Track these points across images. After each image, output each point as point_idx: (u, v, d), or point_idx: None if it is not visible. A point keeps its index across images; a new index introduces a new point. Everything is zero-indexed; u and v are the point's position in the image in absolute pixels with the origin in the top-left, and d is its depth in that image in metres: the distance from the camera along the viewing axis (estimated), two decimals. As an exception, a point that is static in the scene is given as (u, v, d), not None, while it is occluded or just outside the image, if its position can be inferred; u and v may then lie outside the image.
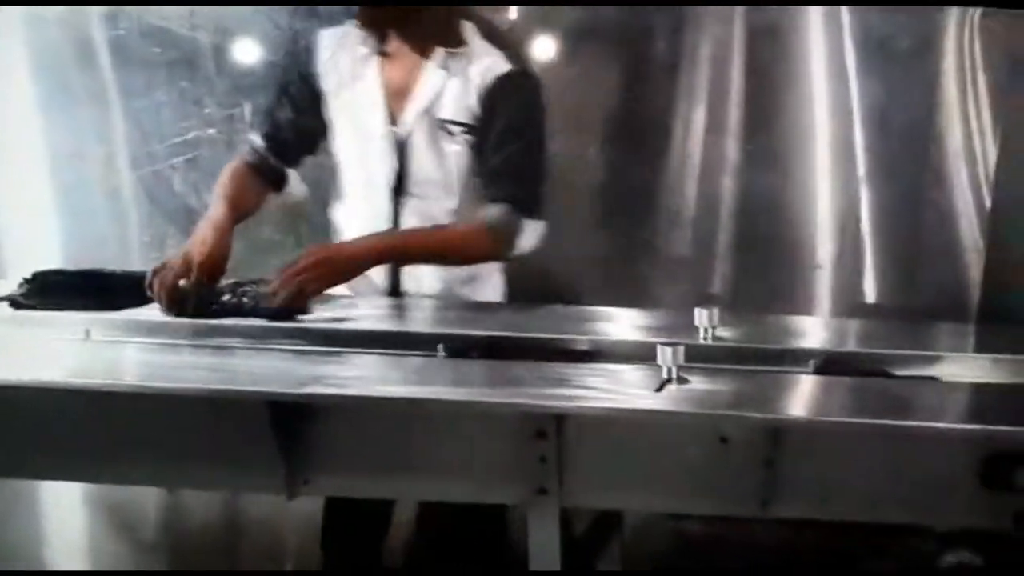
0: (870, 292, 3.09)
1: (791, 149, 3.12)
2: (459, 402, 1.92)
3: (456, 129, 2.60)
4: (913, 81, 3.05)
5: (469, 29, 2.60)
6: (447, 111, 2.59)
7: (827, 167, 3.10)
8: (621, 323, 2.48)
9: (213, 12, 3.04)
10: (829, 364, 2.20)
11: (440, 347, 2.17)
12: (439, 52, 2.58)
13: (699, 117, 3.11)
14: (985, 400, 2.16)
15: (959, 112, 3.02)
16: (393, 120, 2.62)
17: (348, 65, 2.63)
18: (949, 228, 2.99)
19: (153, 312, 2.39)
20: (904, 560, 2.15)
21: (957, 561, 2.07)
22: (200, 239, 2.46)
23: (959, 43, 3.04)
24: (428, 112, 2.60)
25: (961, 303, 2.99)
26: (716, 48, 3.09)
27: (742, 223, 3.14)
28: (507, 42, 2.62)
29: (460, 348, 2.15)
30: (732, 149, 3.10)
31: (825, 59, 3.11)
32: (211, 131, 2.72)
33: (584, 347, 2.21)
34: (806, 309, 3.10)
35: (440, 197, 2.64)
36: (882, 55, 3.08)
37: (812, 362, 2.20)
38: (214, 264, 2.45)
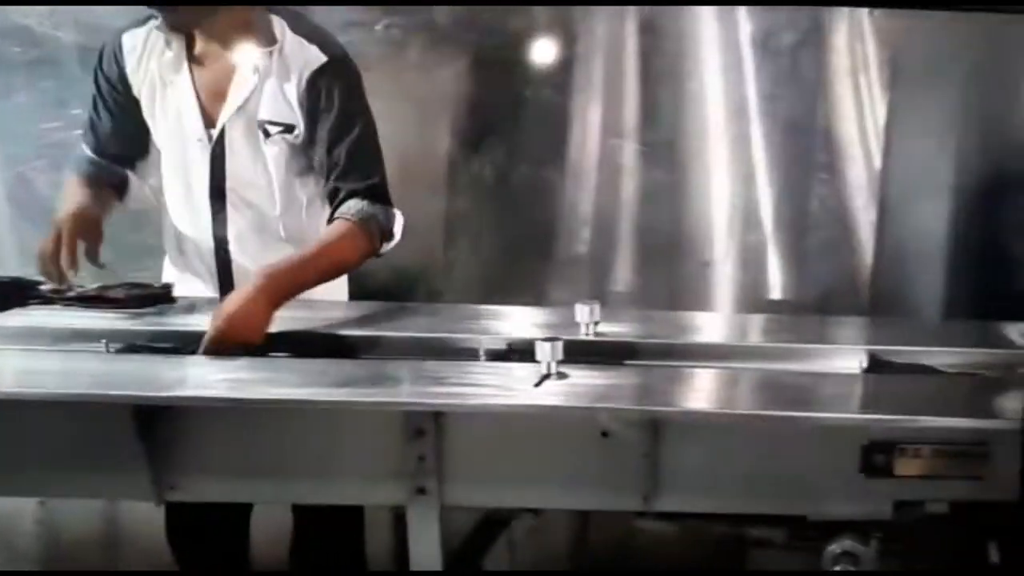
0: (767, 287, 3.11)
1: (684, 147, 3.12)
2: (333, 402, 1.89)
3: (275, 130, 2.51)
4: (805, 78, 3.07)
5: (278, 25, 2.50)
6: (265, 111, 2.50)
7: (722, 164, 3.11)
8: (509, 321, 2.46)
9: (76, 10, 2.95)
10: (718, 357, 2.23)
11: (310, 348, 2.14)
12: (251, 51, 2.49)
13: (594, 116, 3.10)
14: (868, 390, 2.19)
15: (851, 109, 3.04)
16: (210, 123, 2.52)
17: (157, 68, 2.52)
18: (841, 223, 3.01)
19: (15, 317, 2.34)
20: (790, 551, 2.15)
21: (841, 550, 2.07)
22: (64, 209, 2.42)
23: (850, 40, 3.07)
24: (244, 113, 2.51)
25: (855, 297, 3.01)
26: (608, 45, 3.08)
27: (637, 221, 3.13)
28: (320, 34, 2.52)
29: (336, 348, 2.12)
30: (626, 147, 3.10)
31: (719, 56, 3.12)
32: (77, 132, 2.64)
33: (466, 345, 2.19)
34: (703, 305, 3.10)
35: (262, 201, 2.56)
36: (775, 53, 3.10)
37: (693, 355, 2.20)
38: (87, 218, 2.41)
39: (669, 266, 3.10)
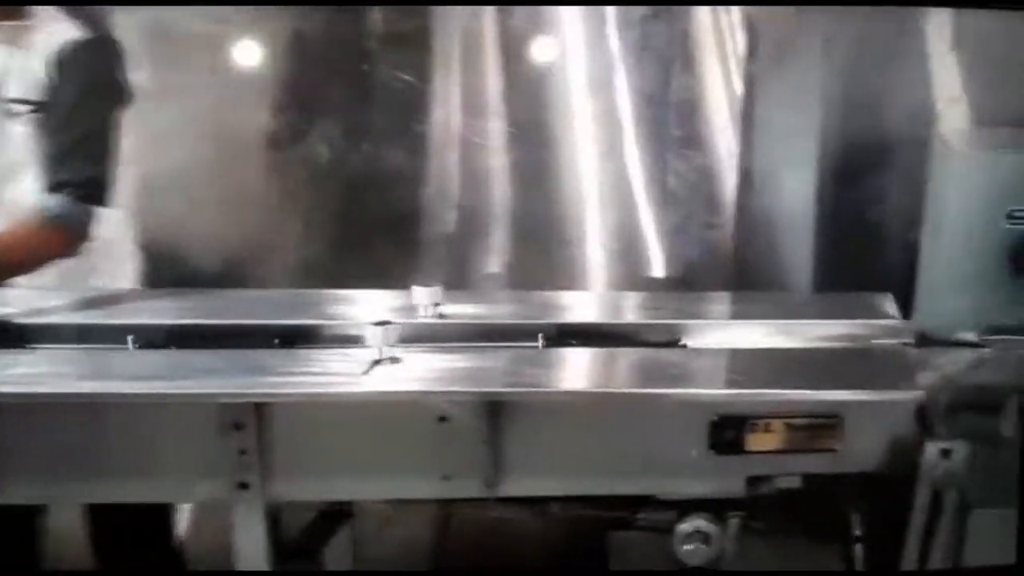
0: (640, 264, 3.04)
1: (553, 128, 3.03)
2: (146, 395, 1.79)
3: (23, 108, 2.33)
4: (670, 57, 2.99)
5: None
6: (14, 88, 2.33)
7: (590, 144, 3.03)
8: (352, 306, 2.35)
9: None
10: (563, 336, 2.15)
11: (130, 338, 2.03)
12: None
13: (449, 95, 3.01)
14: (721, 365, 2.13)
15: (716, 82, 2.97)
16: None
17: None
18: (706, 199, 2.95)
19: None
20: (643, 530, 2.09)
21: (693, 528, 2.02)
22: None
23: (714, 14, 2.99)
24: None
25: (720, 272, 2.95)
26: (464, 21, 2.99)
27: (505, 201, 3.05)
28: (82, 9, 2.35)
29: (155, 338, 2.01)
30: (494, 129, 3.01)
31: (585, 38, 3.03)
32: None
33: (295, 331, 2.09)
34: (577, 285, 3.03)
35: (8, 185, 2.38)
36: (640, 32, 3.01)
37: (541, 336, 2.12)
38: None
39: (542, 246, 3.02)
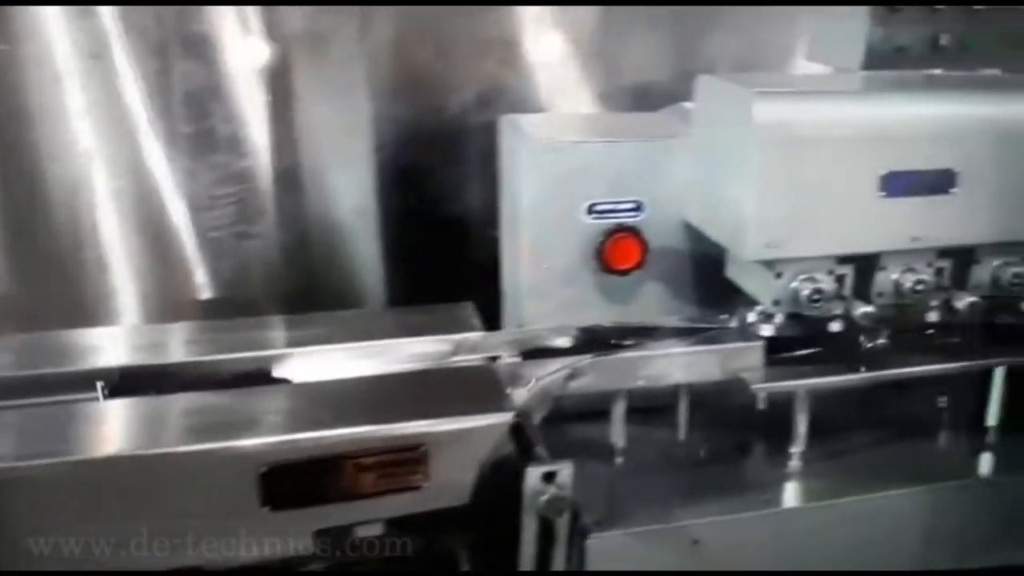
0: (187, 287, 2.52)
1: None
2: None
3: None
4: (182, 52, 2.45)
5: None
6: None
7: (105, 149, 2.45)
8: None
9: None
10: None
11: None
12: None
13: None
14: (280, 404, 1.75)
15: (244, 79, 2.49)
16: None
17: None
18: (238, 206, 2.46)
19: None
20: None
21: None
22: None
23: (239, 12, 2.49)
24: None
25: (273, 288, 2.52)
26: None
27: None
28: None
29: None
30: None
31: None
32: None
33: None
34: (109, 317, 2.47)
35: None
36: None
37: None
38: None
39: (49, 275, 2.41)
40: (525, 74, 2.48)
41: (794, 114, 1.84)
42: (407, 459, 1.66)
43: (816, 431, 2.14)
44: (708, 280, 2.15)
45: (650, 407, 2.13)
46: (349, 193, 2.48)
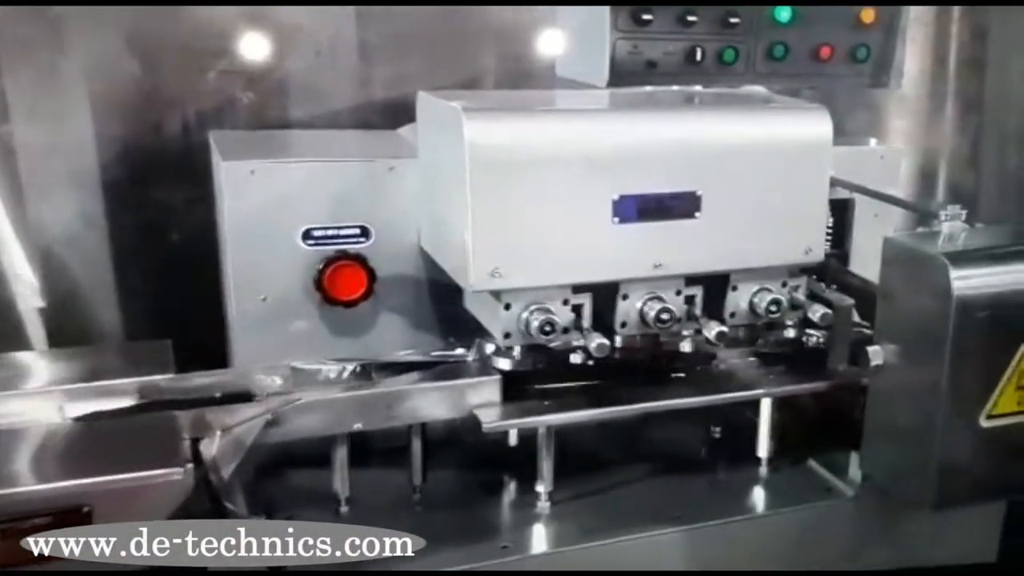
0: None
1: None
2: None
3: None
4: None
5: None
6: None
7: None
8: None
9: None
10: None
11: None
12: None
13: None
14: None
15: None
16: None
17: None
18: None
19: None
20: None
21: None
22: None
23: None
24: None
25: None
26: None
27: None
28: None
29: None
30: None
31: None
32: None
33: None
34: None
35: None
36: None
37: None
38: None
39: None
40: (259, 89, 2.29)
41: (511, 134, 1.70)
42: (68, 522, 1.48)
43: (575, 467, 2.03)
44: (450, 311, 2.00)
45: (393, 447, 1.99)
46: (70, 220, 2.23)
